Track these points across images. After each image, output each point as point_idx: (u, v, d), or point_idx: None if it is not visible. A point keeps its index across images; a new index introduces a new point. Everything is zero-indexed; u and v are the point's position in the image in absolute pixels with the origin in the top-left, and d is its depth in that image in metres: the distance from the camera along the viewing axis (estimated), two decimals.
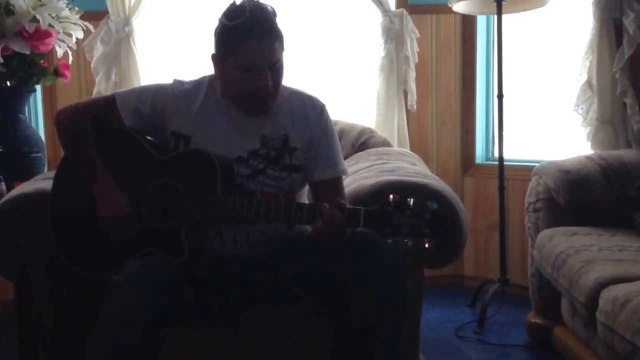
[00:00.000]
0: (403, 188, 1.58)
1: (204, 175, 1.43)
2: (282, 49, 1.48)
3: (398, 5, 2.83)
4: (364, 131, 2.30)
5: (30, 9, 2.31)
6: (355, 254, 1.39)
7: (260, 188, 1.51)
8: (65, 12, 2.44)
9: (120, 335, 1.29)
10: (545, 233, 2.11)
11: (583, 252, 1.81)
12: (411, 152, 2.28)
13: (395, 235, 1.27)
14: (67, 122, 1.55)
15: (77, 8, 2.50)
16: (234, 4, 1.46)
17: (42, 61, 2.48)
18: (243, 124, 1.53)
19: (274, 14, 1.47)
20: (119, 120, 1.53)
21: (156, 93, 1.55)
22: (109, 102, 1.55)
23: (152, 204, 1.46)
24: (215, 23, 1.50)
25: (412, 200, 1.27)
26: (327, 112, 1.60)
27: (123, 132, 1.54)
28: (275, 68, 1.46)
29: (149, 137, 1.57)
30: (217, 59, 1.50)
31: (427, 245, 1.26)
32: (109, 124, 1.54)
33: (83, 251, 1.55)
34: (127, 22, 2.78)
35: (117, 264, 1.47)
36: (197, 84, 1.57)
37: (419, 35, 2.81)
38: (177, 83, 1.57)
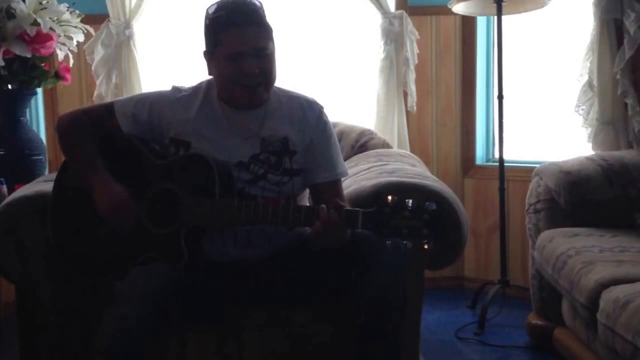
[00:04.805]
0: (403, 189, 1.58)
1: (202, 180, 1.43)
2: (270, 40, 1.48)
3: (398, 7, 2.83)
4: (363, 133, 2.30)
5: (31, 12, 2.32)
6: (355, 256, 1.39)
7: (261, 193, 1.51)
8: (66, 16, 2.44)
9: (124, 343, 1.30)
10: (545, 234, 2.11)
11: (584, 253, 1.81)
12: (411, 154, 2.28)
13: (394, 236, 1.27)
14: (67, 128, 1.56)
15: (77, 11, 2.50)
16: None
17: (43, 64, 2.48)
18: (241, 127, 1.53)
19: (260, 6, 1.47)
20: (117, 127, 1.54)
21: (154, 100, 1.56)
22: (108, 110, 1.57)
23: (151, 210, 1.46)
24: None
25: (410, 201, 1.26)
26: (325, 115, 1.60)
27: (122, 139, 1.55)
28: (262, 55, 1.45)
29: (148, 144, 1.57)
30: (207, 54, 1.51)
31: (426, 247, 1.26)
32: (108, 131, 1.55)
33: (82, 256, 1.54)
34: (127, 25, 2.78)
35: (117, 269, 1.47)
36: (194, 89, 1.58)
37: (418, 37, 2.81)
38: (175, 90, 1.58)
